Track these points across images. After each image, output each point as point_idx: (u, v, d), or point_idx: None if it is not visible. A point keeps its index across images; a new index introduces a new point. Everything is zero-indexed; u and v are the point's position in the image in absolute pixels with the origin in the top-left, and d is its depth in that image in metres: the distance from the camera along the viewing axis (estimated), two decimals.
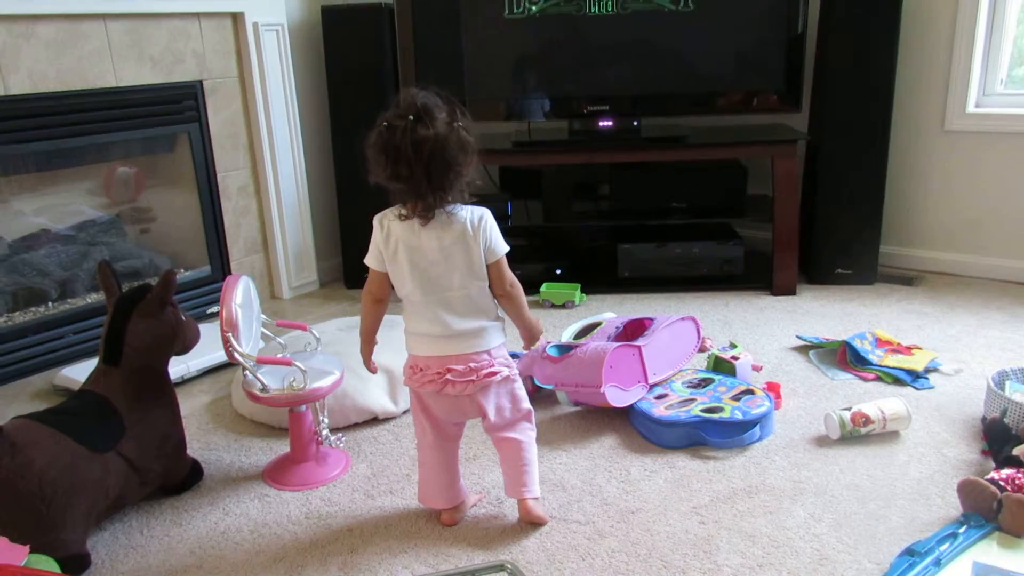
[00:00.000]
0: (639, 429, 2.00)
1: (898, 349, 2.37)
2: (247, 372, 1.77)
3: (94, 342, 2.48)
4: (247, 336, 1.78)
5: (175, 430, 1.78)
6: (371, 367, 1.67)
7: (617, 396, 1.99)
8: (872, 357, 2.31)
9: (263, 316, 1.92)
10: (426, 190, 1.43)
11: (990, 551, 1.50)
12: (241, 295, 1.77)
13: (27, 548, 1.36)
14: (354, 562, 1.56)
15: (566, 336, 2.45)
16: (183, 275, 2.84)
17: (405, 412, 2.11)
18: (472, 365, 1.52)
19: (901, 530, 1.59)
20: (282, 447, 1.99)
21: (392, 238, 1.51)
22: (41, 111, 2.36)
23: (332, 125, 3.11)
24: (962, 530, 1.53)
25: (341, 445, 1.96)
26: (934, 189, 3.09)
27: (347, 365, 1.93)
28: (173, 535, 1.68)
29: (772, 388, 2.11)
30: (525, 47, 3.03)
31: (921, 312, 2.73)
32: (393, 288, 1.57)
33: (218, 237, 2.92)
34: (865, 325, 2.60)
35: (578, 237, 3.49)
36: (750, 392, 2.03)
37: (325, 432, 1.91)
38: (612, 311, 2.74)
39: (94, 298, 2.62)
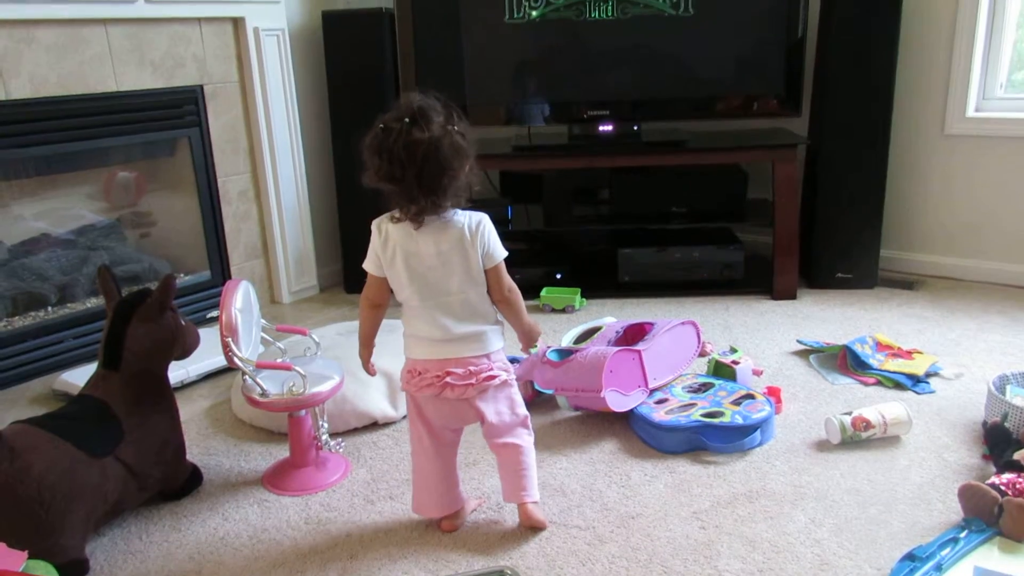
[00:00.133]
0: (639, 434, 2.00)
1: (899, 353, 2.36)
2: (247, 377, 1.77)
3: (94, 347, 2.48)
4: (247, 341, 1.78)
5: (174, 435, 1.77)
6: (370, 370, 1.67)
7: (617, 401, 1.98)
8: (873, 361, 2.30)
9: (263, 321, 1.92)
10: (417, 193, 1.43)
11: (991, 556, 1.49)
12: (241, 300, 1.76)
13: (25, 554, 1.36)
14: (353, 568, 1.56)
15: (566, 341, 2.45)
16: (183, 279, 2.84)
17: (405, 417, 2.10)
18: (471, 369, 1.52)
19: (902, 535, 1.58)
20: (282, 452, 1.98)
21: (390, 243, 1.51)
22: (42, 116, 2.36)
23: (332, 130, 3.11)
24: (963, 535, 1.53)
25: (340, 450, 1.96)
26: (934, 193, 3.09)
27: (347, 370, 1.92)
28: (172, 540, 1.68)
29: (772, 392, 2.11)
30: (525, 52, 3.03)
31: (922, 316, 2.73)
32: (392, 293, 1.57)
33: (218, 242, 2.92)
34: (866, 329, 2.59)
35: (578, 242, 3.49)
36: (750, 397, 2.02)
37: (325, 437, 1.91)
38: (612, 316, 2.74)
39: (94, 303, 2.62)
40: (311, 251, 3.23)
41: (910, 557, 1.48)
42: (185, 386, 2.40)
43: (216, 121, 2.84)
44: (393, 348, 1.70)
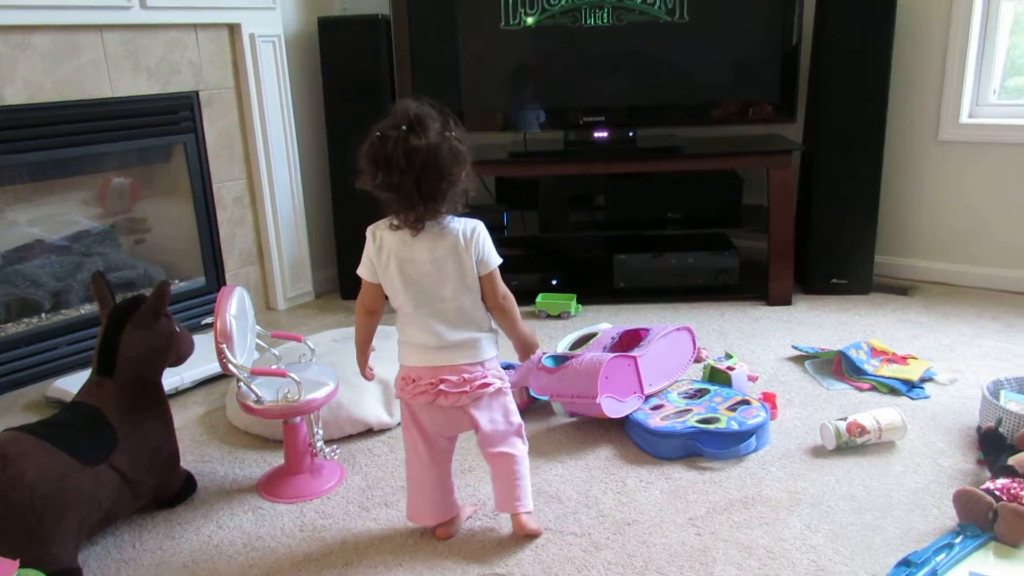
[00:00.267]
0: (635, 440, 2.00)
1: (893, 359, 2.37)
2: (241, 384, 1.76)
3: (87, 353, 2.47)
4: (241, 347, 1.77)
5: (168, 442, 1.77)
6: (367, 375, 1.66)
7: (613, 407, 1.98)
8: (867, 367, 2.31)
9: (258, 327, 1.91)
10: (417, 200, 1.43)
11: (986, 561, 1.49)
12: (236, 306, 1.76)
13: (17, 562, 1.35)
14: None
15: (562, 347, 2.45)
16: (178, 286, 2.84)
17: (399, 424, 2.09)
18: (465, 376, 1.52)
19: (897, 541, 1.58)
20: (276, 459, 1.98)
21: (384, 249, 1.51)
22: (36, 122, 2.36)
23: (328, 136, 3.11)
24: (958, 540, 1.53)
25: (335, 457, 1.95)
26: (928, 199, 3.10)
27: (342, 376, 1.92)
28: (166, 548, 1.67)
29: (768, 398, 2.11)
30: (521, 58, 3.04)
31: (916, 322, 2.73)
32: (387, 299, 1.56)
33: (213, 248, 2.92)
34: (860, 335, 2.60)
35: (574, 248, 3.50)
36: (746, 402, 2.03)
37: (320, 444, 1.90)
38: (608, 322, 2.74)
39: (88, 309, 2.62)
40: (306, 257, 3.22)
41: (905, 563, 1.48)
42: (179, 393, 2.39)
43: (212, 127, 2.84)
44: (389, 355, 1.70)
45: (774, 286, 2.94)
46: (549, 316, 2.92)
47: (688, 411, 2.01)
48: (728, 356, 2.31)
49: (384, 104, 2.96)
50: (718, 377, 2.21)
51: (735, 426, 1.91)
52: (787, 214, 2.91)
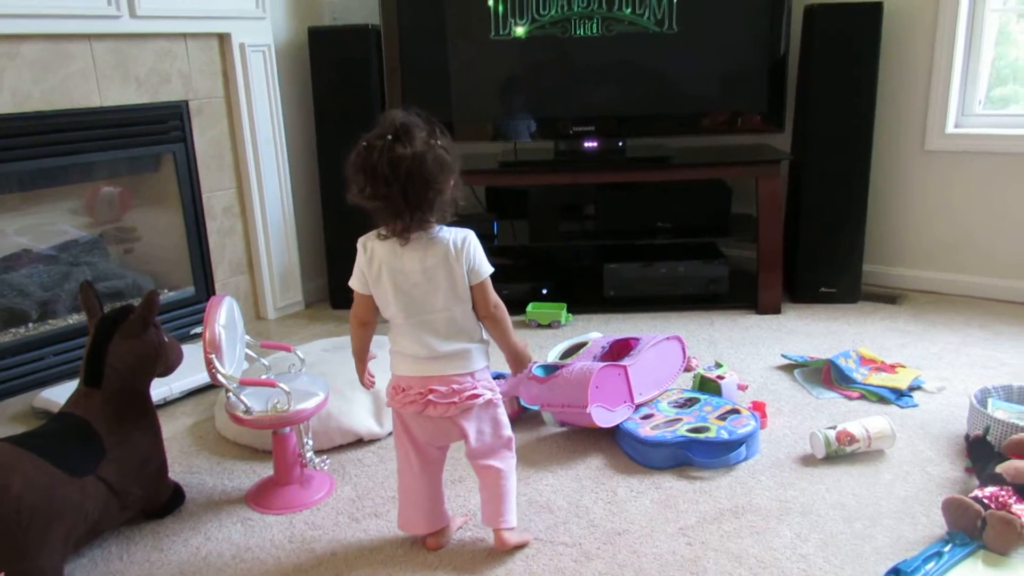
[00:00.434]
0: (625, 449, 2.00)
1: (882, 367, 2.38)
2: (230, 394, 1.75)
3: (75, 364, 2.45)
4: (230, 357, 1.76)
5: (157, 453, 1.76)
6: (365, 383, 1.66)
7: (603, 416, 1.98)
8: (856, 375, 2.32)
9: (247, 337, 1.91)
10: (404, 209, 1.43)
11: (975, 569, 1.50)
12: (225, 316, 1.75)
13: (2, 575, 1.34)
14: None
15: (552, 356, 2.45)
16: (167, 295, 2.82)
17: (390, 434, 2.09)
18: (454, 387, 1.51)
19: (887, 549, 1.59)
20: (266, 470, 1.96)
21: (375, 260, 1.50)
22: (25, 131, 2.35)
23: (318, 146, 3.11)
24: (947, 549, 1.54)
25: (325, 467, 1.94)
26: (916, 208, 3.13)
27: (332, 386, 1.91)
28: (154, 560, 1.66)
29: (758, 407, 2.12)
30: (511, 68, 3.05)
31: (904, 330, 2.75)
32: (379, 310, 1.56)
33: (202, 257, 2.90)
34: (849, 343, 2.61)
35: (564, 257, 3.50)
36: (736, 411, 2.03)
37: (309, 454, 1.90)
38: (598, 331, 2.74)
39: (75, 319, 2.60)
40: (296, 267, 3.22)
41: (895, 571, 1.48)
42: (168, 403, 2.38)
43: (201, 137, 2.83)
44: (380, 364, 1.69)
45: (763, 295, 2.96)
46: (539, 325, 2.92)
47: (678, 420, 2.01)
48: (718, 365, 2.31)
49: (374, 114, 2.95)
50: (708, 386, 2.21)
51: (725, 435, 1.92)
52: (776, 223, 2.93)
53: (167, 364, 1.77)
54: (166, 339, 1.77)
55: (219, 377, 1.71)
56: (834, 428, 1.93)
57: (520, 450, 2.00)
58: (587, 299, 3.09)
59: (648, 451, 1.92)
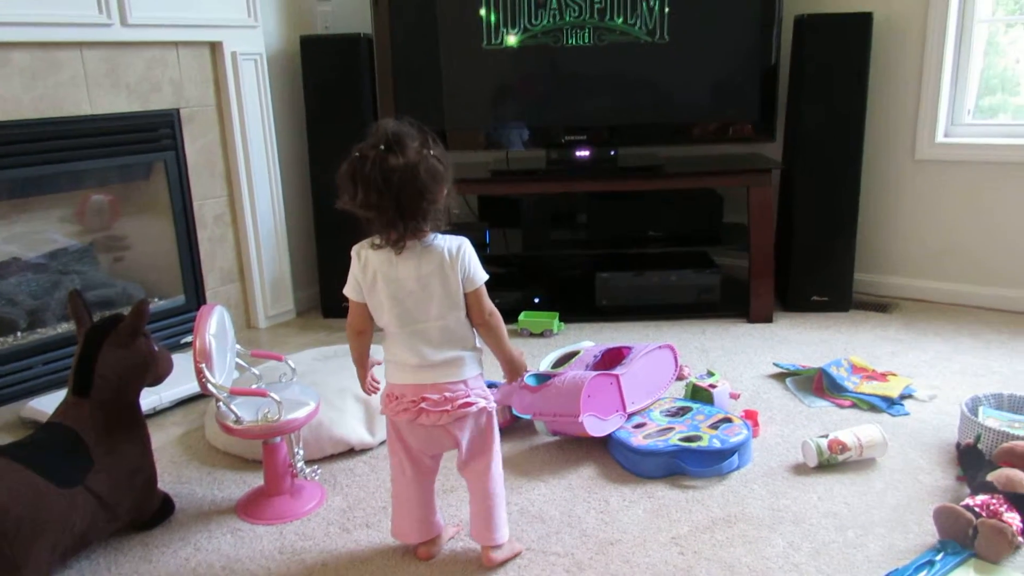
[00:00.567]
0: (618, 459, 1.99)
1: (873, 376, 2.39)
2: (220, 403, 1.74)
3: (63, 373, 2.43)
4: (221, 367, 1.76)
5: (146, 463, 1.74)
6: (366, 389, 1.65)
7: (595, 425, 1.98)
8: (848, 384, 2.32)
9: (238, 346, 1.90)
10: (396, 219, 1.42)
11: None
12: (215, 325, 1.74)
13: None
14: None
15: (544, 365, 2.44)
16: (157, 304, 2.81)
17: (382, 443, 2.08)
18: (447, 395, 1.51)
19: (879, 558, 1.58)
20: (256, 480, 1.95)
21: (369, 269, 1.50)
22: (15, 139, 2.34)
23: (310, 154, 3.11)
24: (939, 557, 1.54)
25: (316, 477, 1.93)
26: (906, 217, 3.14)
27: (323, 396, 1.91)
28: (142, 572, 1.64)
29: (750, 416, 2.12)
30: (503, 77, 3.05)
31: (895, 339, 2.76)
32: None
33: (193, 266, 2.89)
34: (841, 352, 2.62)
35: (556, 266, 3.50)
36: (728, 420, 2.03)
37: (300, 464, 1.89)
38: (590, 340, 2.74)
39: (64, 328, 2.58)
40: (288, 275, 3.21)
41: None
42: (157, 413, 2.36)
43: (192, 145, 2.82)
44: (383, 371, 1.68)
45: (755, 304, 2.96)
46: (532, 334, 2.92)
47: (670, 429, 2.01)
48: (710, 374, 2.31)
49: (366, 123, 2.91)
50: (700, 395, 2.21)
51: (717, 444, 1.91)
52: (767, 232, 2.93)
53: (157, 373, 1.76)
54: (156, 348, 1.76)
55: (209, 387, 1.70)
56: (826, 437, 1.94)
57: (512, 459, 2.00)
58: (579, 308, 3.09)
59: (640, 460, 1.92)
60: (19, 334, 2.51)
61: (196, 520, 1.82)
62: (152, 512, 1.78)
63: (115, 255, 2.88)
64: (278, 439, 1.82)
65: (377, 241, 1.48)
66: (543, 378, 2.10)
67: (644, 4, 2.88)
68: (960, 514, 1.57)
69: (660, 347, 2.28)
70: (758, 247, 2.93)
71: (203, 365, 1.68)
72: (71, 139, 2.48)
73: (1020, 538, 1.55)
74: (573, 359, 2.39)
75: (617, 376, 2.06)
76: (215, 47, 2.84)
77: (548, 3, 2.89)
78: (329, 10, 3.30)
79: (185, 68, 2.76)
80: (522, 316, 2.95)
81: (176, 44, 2.71)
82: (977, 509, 1.59)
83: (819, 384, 2.35)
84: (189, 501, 1.90)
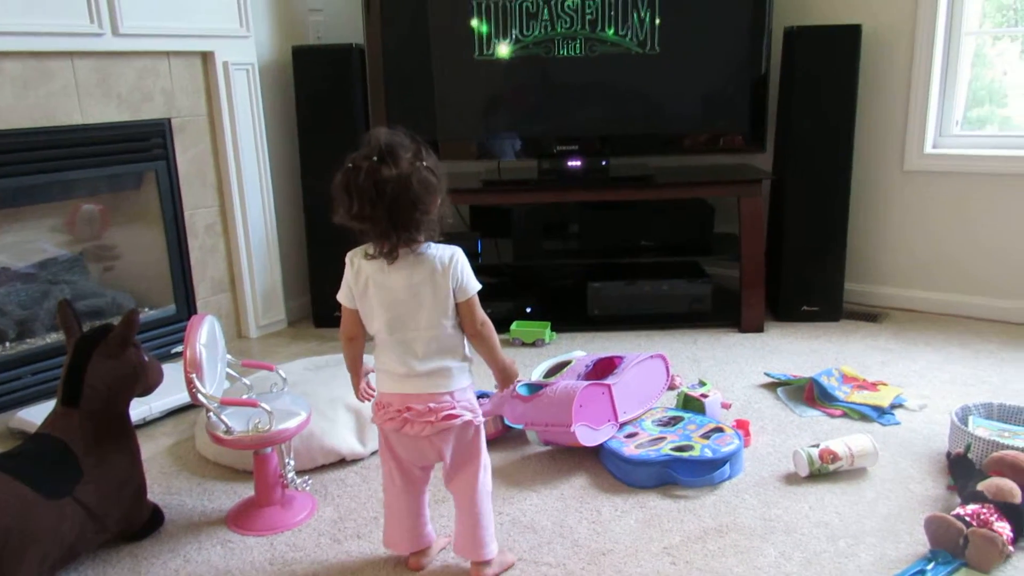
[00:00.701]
0: (609, 468, 1.99)
1: (864, 385, 2.39)
2: (211, 414, 1.74)
3: (52, 383, 2.42)
4: (211, 377, 1.75)
5: (135, 474, 1.73)
6: (359, 395, 1.64)
7: (587, 435, 1.98)
8: (839, 394, 2.33)
9: (228, 356, 1.89)
10: (389, 230, 1.42)
11: None
12: (206, 335, 1.74)
13: None
14: None
15: (536, 375, 2.44)
16: (147, 314, 2.80)
17: (373, 453, 2.08)
18: (432, 405, 1.49)
19: (870, 567, 1.59)
20: (246, 490, 1.94)
21: (362, 275, 1.50)
22: (5, 148, 2.33)
23: (302, 164, 3.11)
24: (930, 567, 1.54)
25: (307, 488, 1.92)
26: (895, 227, 3.16)
27: (314, 405, 1.90)
28: None
29: (741, 426, 2.12)
30: (495, 88, 3.06)
31: (886, 348, 2.77)
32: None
33: (184, 276, 2.88)
34: (831, 362, 2.62)
35: (548, 275, 3.51)
36: (719, 430, 2.03)
37: (291, 475, 1.88)
38: (582, 349, 2.74)
39: (54, 338, 2.57)
40: (279, 285, 3.20)
41: None
42: (147, 423, 2.35)
43: (184, 154, 2.82)
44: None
45: (746, 313, 2.97)
46: (523, 344, 2.92)
47: (662, 439, 2.01)
48: (702, 383, 2.31)
49: (358, 133, 2.94)
50: (692, 404, 2.22)
51: (709, 454, 1.92)
52: (758, 242, 2.95)
53: (147, 384, 1.75)
54: (146, 358, 1.75)
55: (200, 397, 1.69)
56: (817, 446, 1.94)
57: (504, 469, 2.00)
58: (571, 317, 3.10)
59: (632, 470, 1.92)
60: (8, 344, 2.50)
61: (186, 531, 1.81)
62: (141, 523, 1.77)
63: (105, 265, 2.87)
64: (269, 449, 1.81)
65: (371, 251, 1.48)
66: (535, 388, 2.10)
67: (635, 15, 2.90)
68: (951, 523, 1.58)
69: (652, 357, 2.29)
70: (749, 257, 2.94)
71: (193, 375, 1.68)
72: (62, 148, 2.47)
73: (1010, 547, 1.56)
74: (565, 369, 2.39)
75: (609, 386, 2.07)
76: (207, 57, 2.84)
77: (540, 14, 2.91)
78: (321, 20, 3.31)
79: (177, 78, 2.76)
80: (514, 326, 2.95)
81: (168, 54, 2.71)
82: (968, 518, 1.59)
83: (810, 394, 2.35)
84: (179, 512, 1.89)
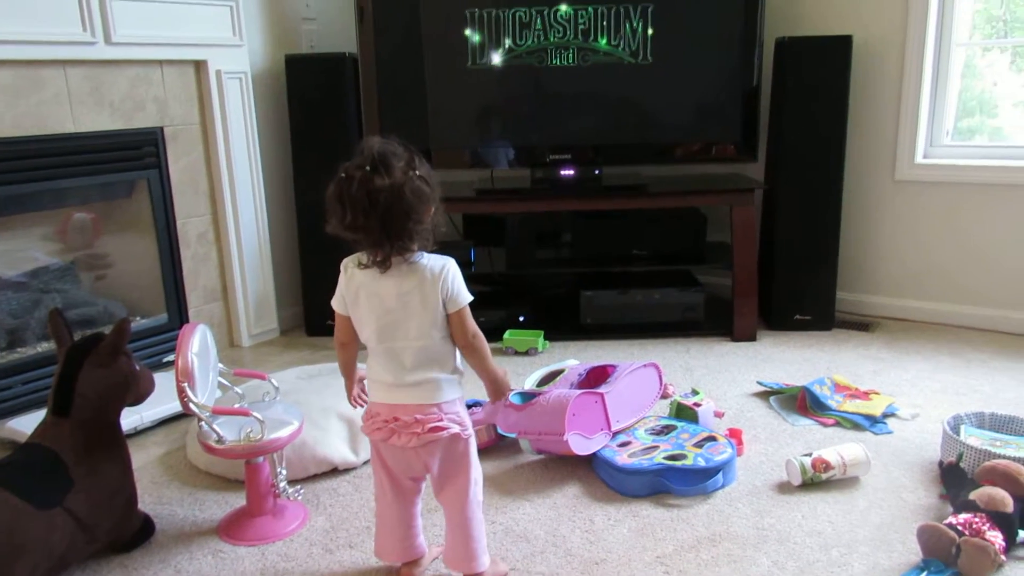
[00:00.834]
0: (602, 477, 1.99)
1: (856, 394, 2.40)
2: (203, 423, 1.73)
3: (43, 393, 2.39)
4: (203, 386, 1.74)
5: (126, 484, 1.72)
6: (351, 400, 1.64)
7: (580, 444, 1.98)
8: (831, 403, 2.33)
9: (220, 365, 1.88)
10: (383, 240, 1.42)
11: None
12: (198, 344, 1.73)
13: None
14: None
15: (529, 383, 2.44)
16: (139, 323, 2.78)
17: (365, 463, 2.07)
18: (418, 417, 1.48)
19: None
20: (238, 500, 1.93)
21: (354, 283, 1.50)
22: None
23: (294, 173, 3.10)
24: None
25: (299, 497, 1.91)
26: (886, 237, 3.18)
27: (307, 415, 1.89)
28: None
29: (734, 434, 2.12)
30: (488, 97, 3.07)
31: (878, 357, 2.78)
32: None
33: (176, 284, 2.87)
34: (824, 371, 2.63)
35: (541, 284, 3.51)
36: (712, 439, 2.03)
37: (283, 484, 1.86)
38: (575, 358, 2.74)
39: (45, 347, 2.55)
40: (272, 294, 3.19)
41: None
42: (139, 433, 2.33)
43: (176, 163, 2.82)
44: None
45: (739, 322, 2.98)
46: (516, 352, 2.92)
47: (655, 448, 2.01)
48: (694, 392, 2.32)
49: (351, 142, 2.96)
50: (685, 413, 2.22)
51: (702, 463, 1.92)
52: (750, 251, 2.96)
53: (138, 393, 1.74)
54: (137, 367, 1.74)
55: (191, 406, 1.68)
56: (810, 455, 1.94)
57: (497, 479, 1.99)
58: (564, 326, 3.10)
59: (625, 479, 1.92)
60: None
61: (177, 541, 1.80)
62: (132, 533, 1.75)
63: (97, 273, 2.86)
64: (261, 459, 1.80)
65: (364, 260, 1.48)
66: (528, 396, 2.10)
67: (628, 25, 2.91)
68: (943, 532, 1.58)
69: (645, 365, 2.29)
70: (741, 266, 2.95)
71: (185, 384, 1.67)
72: (54, 157, 2.46)
73: (1002, 556, 1.56)
74: (558, 377, 2.39)
75: (602, 395, 2.07)
76: (200, 65, 2.83)
77: (532, 24, 2.92)
78: (314, 29, 3.31)
79: (169, 86, 2.76)
80: (507, 334, 2.95)
81: (160, 62, 2.71)
82: (960, 527, 1.60)
83: (802, 402, 2.36)
84: (170, 522, 1.87)
